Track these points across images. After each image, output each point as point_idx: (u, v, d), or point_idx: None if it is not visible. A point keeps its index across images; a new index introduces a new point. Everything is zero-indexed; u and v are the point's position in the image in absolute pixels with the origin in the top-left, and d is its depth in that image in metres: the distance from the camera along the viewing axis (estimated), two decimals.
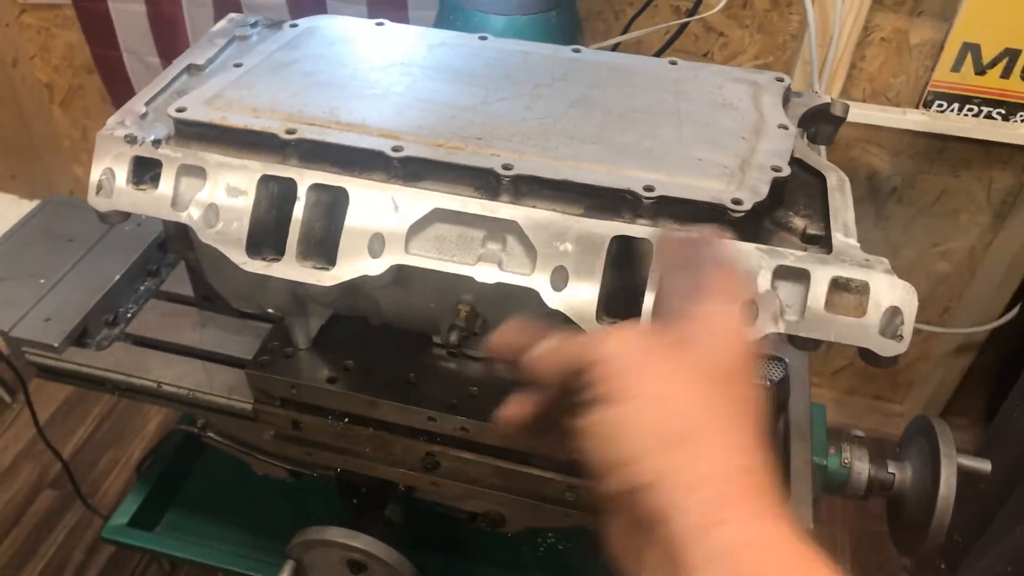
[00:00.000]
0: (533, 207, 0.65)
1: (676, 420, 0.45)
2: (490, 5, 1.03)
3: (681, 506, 0.41)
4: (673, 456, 0.43)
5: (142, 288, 1.10)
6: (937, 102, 1.49)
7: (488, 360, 0.87)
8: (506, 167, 0.65)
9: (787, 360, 1.01)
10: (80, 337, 1.01)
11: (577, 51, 0.80)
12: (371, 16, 1.65)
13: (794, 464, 0.92)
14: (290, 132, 0.66)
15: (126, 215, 0.70)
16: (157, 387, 0.97)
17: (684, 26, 1.51)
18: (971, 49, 1.42)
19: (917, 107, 1.52)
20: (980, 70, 1.43)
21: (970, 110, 1.48)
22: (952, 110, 1.49)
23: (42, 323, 1.00)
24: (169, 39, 1.82)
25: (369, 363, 0.85)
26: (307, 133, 0.66)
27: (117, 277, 1.06)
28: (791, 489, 0.90)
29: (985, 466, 0.96)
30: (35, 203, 1.17)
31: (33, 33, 1.99)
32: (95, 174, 0.69)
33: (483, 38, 0.81)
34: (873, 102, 1.59)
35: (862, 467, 0.96)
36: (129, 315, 1.06)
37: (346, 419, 0.85)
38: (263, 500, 1.17)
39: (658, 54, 1.52)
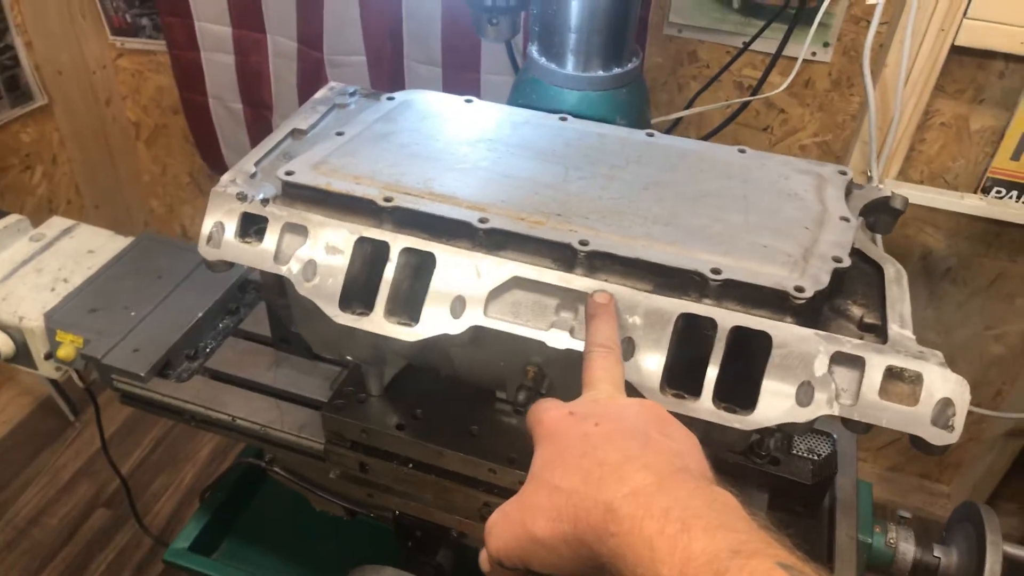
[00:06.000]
0: (606, 280, 0.70)
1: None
2: (566, 81, 1.09)
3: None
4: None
5: (221, 325, 1.17)
6: (996, 189, 1.51)
7: None
8: (582, 243, 0.70)
9: (835, 435, 1.04)
10: (163, 368, 1.09)
11: (651, 135, 0.85)
12: (446, 77, 1.76)
13: (839, 540, 0.94)
14: (387, 200, 0.72)
15: (231, 264, 0.76)
16: (232, 421, 1.03)
17: (746, 104, 1.57)
18: None
19: (975, 192, 1.55)
20: None
21: None
22: (1011, 197, 1.51)
23: (131, 353, 1.07)
24: (254, 88, 1.94)
25: (436, 413, 0.90)
26: (403, 202, 0.72)
27: (200, 314, 1.13)
28: (834, 566, 0.92)
29: None
30: (129, 239, 1.26)
31: (128, 76, 2.13)
32: (207, 226, 0.76)
33: (563, 119, 0.87)
34: (931, 184, 1.62)
35: (907, 548, 0.97)
36: (208, 350, 1.13)
37: (411, 465, 0.89)
38: (317, 535, 1.21)
39: (720, 128, 1.58)
